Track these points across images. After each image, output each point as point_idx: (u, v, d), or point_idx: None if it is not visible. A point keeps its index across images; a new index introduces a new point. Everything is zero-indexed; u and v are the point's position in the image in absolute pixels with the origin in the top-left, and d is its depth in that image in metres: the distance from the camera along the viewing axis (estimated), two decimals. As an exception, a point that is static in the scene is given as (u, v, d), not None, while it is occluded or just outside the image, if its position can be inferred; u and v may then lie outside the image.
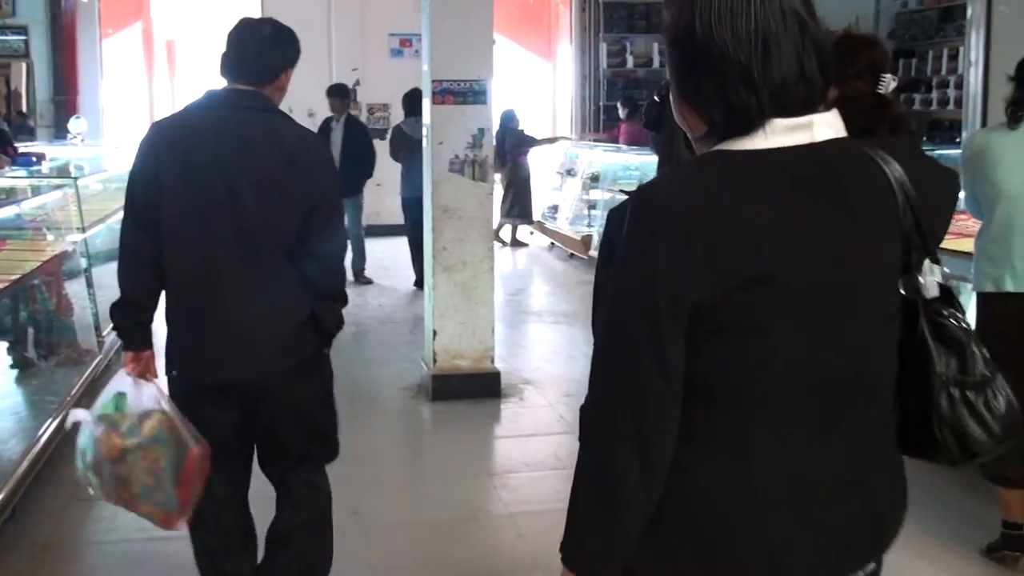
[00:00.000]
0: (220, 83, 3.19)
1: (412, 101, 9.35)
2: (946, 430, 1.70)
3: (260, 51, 3.14)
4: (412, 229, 9.55)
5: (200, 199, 3.02)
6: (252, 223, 3.02)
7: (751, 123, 1.55)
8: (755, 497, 1.59)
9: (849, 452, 1.65)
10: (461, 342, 6.34)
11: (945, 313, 1.69)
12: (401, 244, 11.07)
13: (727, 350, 1.56)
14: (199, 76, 17.24)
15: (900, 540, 4.76)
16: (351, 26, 13.22)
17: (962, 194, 4.36)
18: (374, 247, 10.73)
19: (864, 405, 1.66)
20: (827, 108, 1.64)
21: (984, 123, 7.04)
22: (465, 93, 6.13)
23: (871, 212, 1.61)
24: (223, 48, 3.17)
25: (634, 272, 1.56)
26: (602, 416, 1.59)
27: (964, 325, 1.69)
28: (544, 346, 7.95)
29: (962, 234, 5.37)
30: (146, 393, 3.05)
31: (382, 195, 11.40)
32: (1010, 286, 3.93)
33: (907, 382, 1.71)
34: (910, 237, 1.64)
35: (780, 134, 1.55)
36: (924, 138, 11.35)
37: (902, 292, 1.68)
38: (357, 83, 13.47)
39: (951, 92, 11.65)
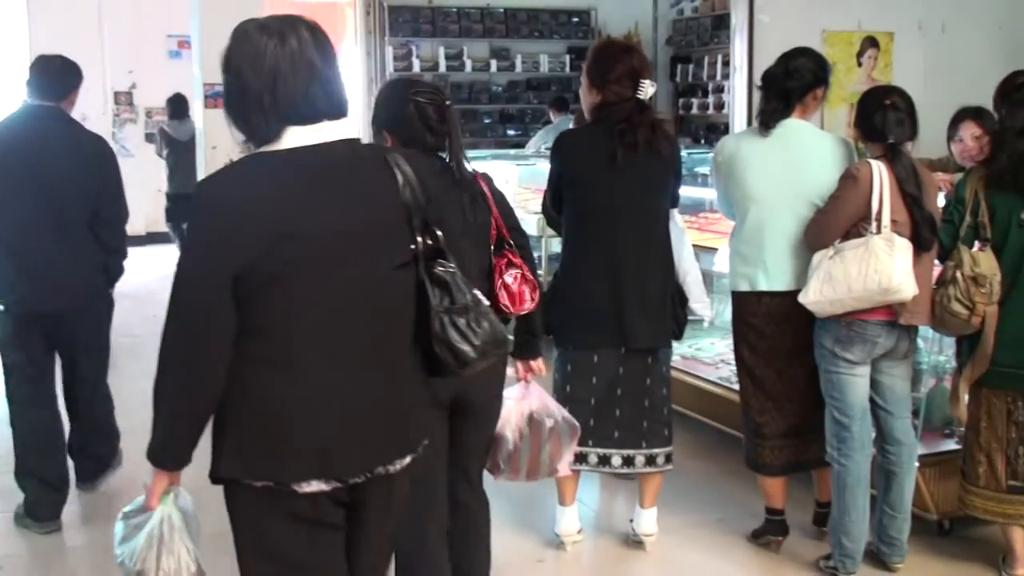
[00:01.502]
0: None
1: (175, 104, 10.61)
2: (441, 346, 2.37)
3: (54, 77, 4.47)
4: (177, 228, 10.51)
5: (24, 187, 4.27)
6: (62, 203, 4.33)
7: (267, 134, 2.19)
8: (304, 403, 2.20)
9: (376, 369, 2.28)
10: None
11: (436, 262, 2.36)
12: (182, 252, 10.71)
13: (269, 297, 2.15)
14: (-37, 77, 16.31)
15: (670, 528, 4.84)
16: (125, 27, 12.70)
17: (715, 194, 4.54)
18: (154, 254, 10.34)
19: (385, 334, 2.30)
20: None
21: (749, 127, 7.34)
22: (238, 96, 5.98)
23: (374, 188, 2.28)
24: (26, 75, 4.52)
25: (192, 246, 2.21)
26: (167, 352, 2.19)
27: (450, 269, 2.37)
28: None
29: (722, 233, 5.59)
30: None
31: (165, 201, 10.99)
32: (763, 284, 4.10)
33: (417, 316, 2.36)
34: (410, 209, 2.30)
35: (297, 137, 2.19)
36: (702, 140, 11.79)
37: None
38: (133, 86, 13.00)
39: (726, 96, 12.13)
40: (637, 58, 4.10)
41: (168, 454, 2.26)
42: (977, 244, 3.83)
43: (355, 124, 2.24)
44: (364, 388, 2.26)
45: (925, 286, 3.83)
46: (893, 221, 3.77)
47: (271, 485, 2.21)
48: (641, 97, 4.01)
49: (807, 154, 4.09)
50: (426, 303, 2.34)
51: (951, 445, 4.44)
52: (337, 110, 2.24)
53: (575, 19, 12.81)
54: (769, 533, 4.32)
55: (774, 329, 4.13)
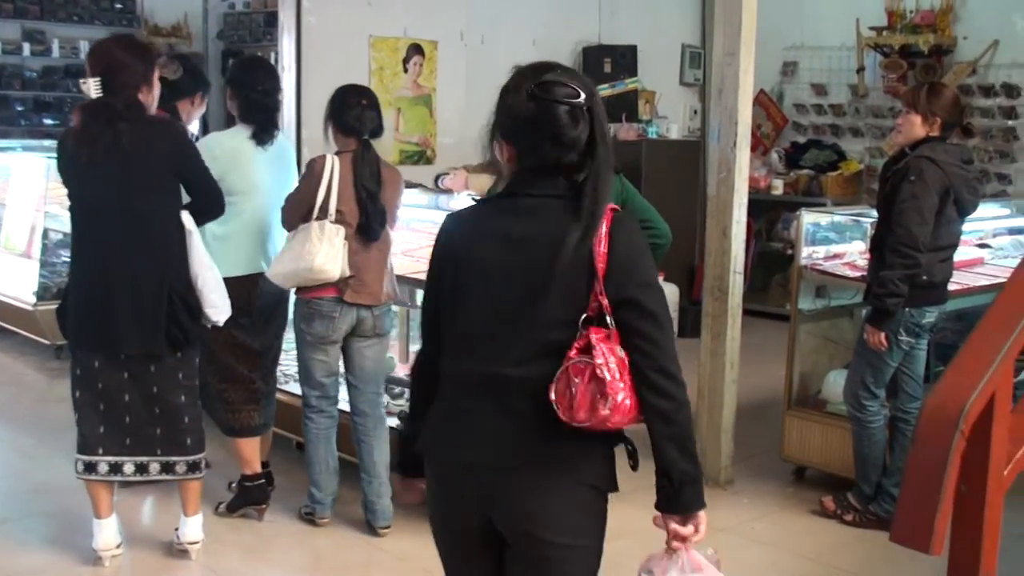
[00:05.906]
0: None
1: None
2: None
3: None
4: None
5: None
6: None
7: None
8: None
9: None
10: None
11: None
12: None
13: None
14: None
15: (216, 534, 4.79)
16: None
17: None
18: None
19: None
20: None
21: (299, 126, 7.33)
22: None
23: None
24: None
25: None
26: None
27: None
28: None
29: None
30: None
31: None
32: (265, 266, 4.46)
33: None
34: None
35: None
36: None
37: None
38: None
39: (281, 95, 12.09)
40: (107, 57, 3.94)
41: None
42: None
43: None
44: None
45: (372, 270, 4.31)
46: (340, 211, 4.18)
47: None
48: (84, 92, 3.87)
49: (286, 153, 4.71)
50: None
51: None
52: None
53: (119, 5, 12.19)
54: (249, 503, 4.61)
55: (271, 306, 4.57)
